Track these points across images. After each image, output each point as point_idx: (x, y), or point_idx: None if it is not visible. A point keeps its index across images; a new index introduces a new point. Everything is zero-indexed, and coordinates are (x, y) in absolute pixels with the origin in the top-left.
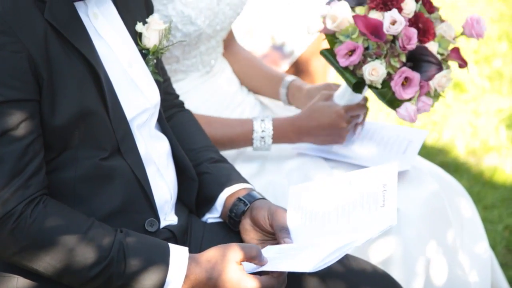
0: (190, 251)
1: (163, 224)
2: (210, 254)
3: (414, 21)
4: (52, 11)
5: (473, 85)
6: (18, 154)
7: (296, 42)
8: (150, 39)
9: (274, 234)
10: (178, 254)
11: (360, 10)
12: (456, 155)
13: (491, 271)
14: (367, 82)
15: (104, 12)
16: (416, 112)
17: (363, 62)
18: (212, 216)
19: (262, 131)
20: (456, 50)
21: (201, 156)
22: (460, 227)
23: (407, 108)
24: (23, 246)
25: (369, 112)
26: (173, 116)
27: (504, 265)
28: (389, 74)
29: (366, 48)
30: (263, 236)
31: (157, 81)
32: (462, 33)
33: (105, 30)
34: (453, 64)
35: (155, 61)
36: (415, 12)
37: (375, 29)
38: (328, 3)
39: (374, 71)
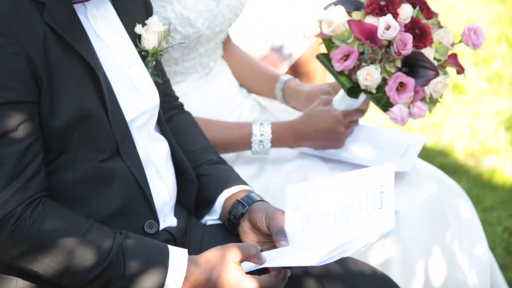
0: (189, 253)
1: (162, 226)
2: (209, 255)
3: (411, 27)
4: (51, 13)
5: (472, 87)
6: (17, 156)
7: (295, 44)
8: (149, 41)
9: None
10: (178, 256)
11: (357, 15)
12: (455, 157)
13: (490, 273)
14: (362, 87)
15: (103, 14)
16: (408, 115)
17: (358, 67)
18: (211, 218)
19: (261, 134)
20: (453, 56)
21: (200, 158)
22: (459, 229)
23: (400, 108)
24: (22, 248)
25: (368, 115)
26: (172, 117)
27: (503, 267)
28: (384, 79)
29: (362, 53)
30: (262, 239)
31: (156, 83)
32: (461, 41)
33: (104, 32)
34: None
35: (154, 63)
36: (412, 17)
37: (370, 34)
38: (326, 8)
39: (369, 76)
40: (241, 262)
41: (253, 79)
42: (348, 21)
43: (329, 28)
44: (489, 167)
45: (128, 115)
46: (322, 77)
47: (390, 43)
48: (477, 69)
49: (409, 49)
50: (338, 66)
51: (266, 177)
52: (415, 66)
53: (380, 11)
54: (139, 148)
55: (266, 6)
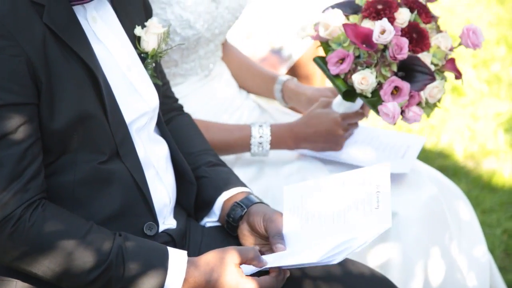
0: (189, 255)
1: (161, 228)
2: (208, 257)
3: (408, 31)
4: (51, 15)
5: (471, 89)
6: (16, 157)
7: (294, 46)
8: (149, 43)
9: None
10: (177, 258)
11: (354, 18)
12: (454, 159)
13: (490, 275)
14: (357, 90)
15: (103, 15)
16: (399, 114)
17: (353, 70)
18: (211, 220)
19: (260, 136)
20: (451, 61)
21: (199, 159)
22: (458, 230)
23: (394, 105)
24: (21, 250)
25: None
26: (172, 119)
27: (502, 269)
28: (379, 83)
29: (358, 57)
30: (261, 241)
31: (156, 85)
32: (460, 44)
33: (103, 33)
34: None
35: (154, 64)
36: (409, 21)
37: (366, 38)
38: (324, 10)
39: (364, 80)
40: (240, 264)
41: (251, 80)
42: (344, 25)
43: (325, 31)
44: (489, 169)
45: (127, 117)
46: (321, 79)
47: (385, 47)
48: (476, 71)
49: (404, 53)
50: (333, 70)
51: (266, 179)
52: (411, 71)
53: (376, 15)
54: (139, 150)
55: (265, 8)
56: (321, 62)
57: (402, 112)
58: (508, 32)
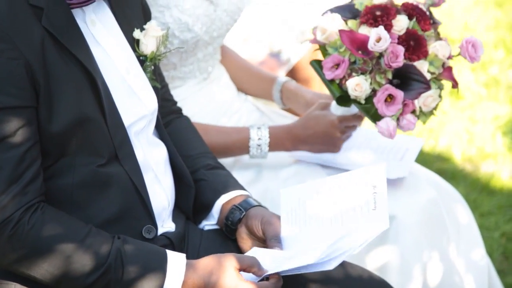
0: (187, 259)
1: (160, 231)
2: (207, 260)
3: (405, 38)
4: (50, 18)
5: (469, 92)
6: (15, 161)
7: (292, 49)
8: (148, 46)
9: None
10: (176, 260)
11: (352, 24)
12: (453, 162)
13: (488, 278)
14: (352, 97)
15: (102, 18)
16: (396, 128)
17: (348, 76)
18: (209, 223)
19: (259, 139)
20: (448, 70)
21: (198, 162)
22: (457, 234)
23: (387, 122)
24: (20, 253)
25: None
26: (170, 122)
27: (500, 272)
28: (374, 90)
29: (353, 63)
30: (259, 244)
31: (154, 88)
32: (459, 54)
33: (102, 36)
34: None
35: (152, 67)
36: (407, 29)
37: (362, 45)
38: (323, 14)
39: (358, 86)
40: (240, 270)
41: (249, 81)
42: (340, 31)
43: (322, 35)
44: (487, 172)
45: (126, 120)
46: (320, 82)
47: (381, 55)
48: (474, 74)
49: (400, 61)
50: (328, 75)
51: (264, 182)
52: (407, 79)
53: (374, 22)
54: (138, 153)
55: (264, 11)
56: (317, 66)
57: (397, 120)
58: (506, 35)
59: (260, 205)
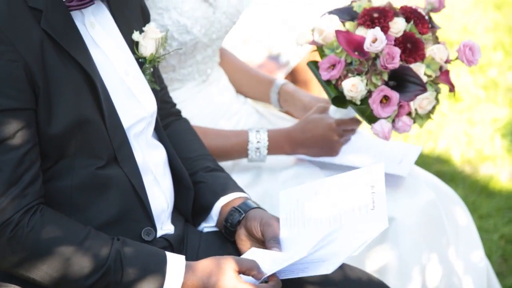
0: (187, 260)
1: (159, 233)
2: (206, 262)
3: (402, 41)
4: (49, 20)
5: (468, 95)
6: (14, 163)
7: (292, 52)
8: (147, 48)
9: None
10: (175, 262)
11: (350, 25)
12: (451, 164)
13: (487, 280)
14: (347, 97)
15: (101, 21)
16: (391, 130)
17: (344, 77)
18: (208, 225)
19: (258, 142)
20: (445, 73)
21: (197, 164)
22: (455, 236)
23: (382, 124)
24: (20, 255)
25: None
26: (170, 124)
27: (499, 274)
28: (370, 92)
29: (350, 64)
30: (258, 246)
31: (153, 90)
32: (457, 58)
33: (101, 38)
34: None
35: (151, 69)
36: (404, 31)
37: (358, 46)
38: (322, 16)
39: (354, 87)
40: (239, 273)
41: (247, 83)
42: (336, 31)
43: (320, 36)
44: (486, 175)
45: (125, 122)
46: (319, 85)
47: (377, 56)
48: (473, 76)
49: (396, 63)
50: (324, 75)
51: (263, 185)
52: (403, 81)
53: (371, 23)
54: (137, 155)
55: (263, 14)
56: (314, 67)
57: (392, 121)
58: (505, 37)
59: (259, 207)
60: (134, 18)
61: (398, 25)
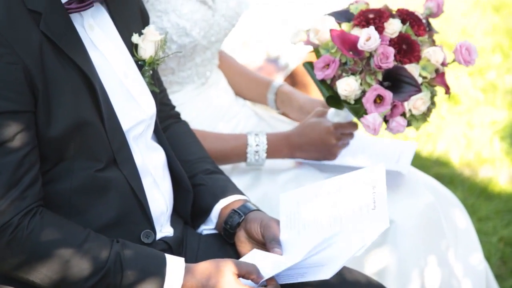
0: (186, 263)
1: (159, 235)
2: (206, 265)
3: (397, 41)
4: (48, 22)
5: (467, 97)
6: (14, 165)
7: (290, 55)
8: (146, 50)
9: None
10: (174, 264)
11: (346, 26)
12: (450, 167)
13: (486, 283)
14: (342, 97)
15: (100, 23)
16: (381, 125)
17: (339, 77)
18: (207, 228)
19: (257, 145)
20: (441, 76)
21: (196, 167)
22: (454, 238)
23: (374, 117)
24: (19, 257)
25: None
26: (169, 127)
27: (498, 277)
28: (364, 92)
29: (345, 63)
30: (259, 248)
31: (153, 92)
32: (454, 60)
33: (100, 41)
34: (450, 73)
35: (151, 72)
36: (400, 32)
37: (353, 45)
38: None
39: (348, 86)
40: (238, 276)
41: (245, 85)
42: (331, 31)
43: (315, 36)
44: (485, 177)
45: (124, 124)
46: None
47: (371, 55)
48: (472, 79)
49: (390, 62)
50: (319, 75)
51: (262, 187)
52: (398, 81)
53: (366, 24)
54: (136, 158)
55: (262, 17)
56: (310, 67)
57: (387, 122)
58: (504, 40)
59: (258, 210)
60: (133, 20)
61: (393, 26)
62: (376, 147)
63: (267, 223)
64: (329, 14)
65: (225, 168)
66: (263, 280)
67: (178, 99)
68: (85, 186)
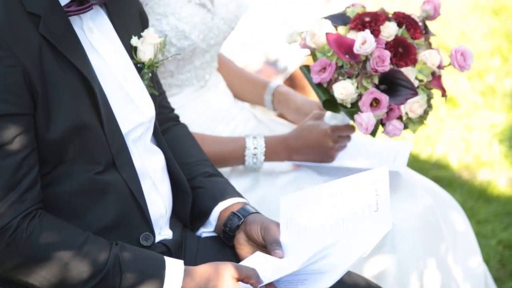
0: (185, 266)
1: (158, 238)
2: (205, 267)
3: (393, 45)
4: (47, 25)
5: (465, 100)
6: (13, 168)
7: (289, 58)
8: (146, 53)
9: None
10: (174, 267)
11: (343, 29)
12: (449, 169)
13: (485, 286)
14: (338, 100)
15: (99, 26)
16: (373, 125)
17: (335, 80)
18: (207, 231)
19: (255, 148)
20: (437, 78)
21: (195, 170)
22: (453, 241)
23: (369, 116)
24: (18, 260)
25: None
26: (168, 129)
27: (497, 280)
28: (360, 95)
29: (341, 67)
30: (258, 250)
31: (152, 95)
32: (449, 64)
33: (99, 43)
34: (448, 76)
35: (150, 74)
36: (396, 36)
37: (349, 49)
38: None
39: (344, 90)
40: (237, 280)
41: (243, 87)
42: (327, 34)
43: (311, 39)
44: (483, 180)
45: (124, 127)
46: None
47: (367, 58)
48: (471, 82)
49: (386, 66)
50: (315, 78)
51: (261, 189)
52: (395, 84)
53: (362, 27)
54: (135, 160)
55: (261, 20)
56: (306, 70)
57: (383, 125)
58: (503, 43)
59: (257, 212)
60: (132, 23)
61: (389, 29)
62: (372, 147)
63: (267, 226)
64: (326, 18)
65: (223, 170)
66: (262, 284)
67: (177, 102)
68: (84, 189)
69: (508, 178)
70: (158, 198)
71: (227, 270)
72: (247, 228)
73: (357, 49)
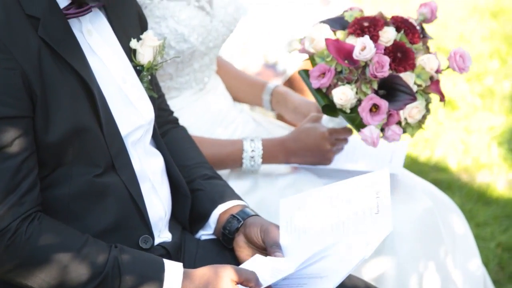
0: (184, 268)
1: (157, 241)
2: (204, 270)
3: (392, 50)
4: (46, 28)
5: (464, 103)
6: (12, 171)
7: (288, 60)
8: (145, 56)
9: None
10: (173, 270)
11: (341, 34)
12: (448, 172)
13: None
14: (337, 105)
15: (98, 28)
16: (379, 136)
17: (334, 85)
18: (206, 233)
19: (252, 150)
20: (436, 83)
21: (194, 172)
22: (452, 244)
23: (371, 130)
24: (17, 262)
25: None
26: (167, 132)
27: (496, 282)
28: (359, 100)
29: (340, 72)
30: (258, 253)
31: (151, 98)
32: (448, 67)
33: (99, 46)
34: (447, 79)
35: (149, 77)
36: (395, 41)
37: (348, 54)
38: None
39: (343, 95)
40: (236, 283)
41: (242, 88)
42: (326, 40)
43: (310, 44)
44: (483, 183)
45: (123, 129)
46: None
47: (367, 64)
48: (469, 85)
49: (385, 71)
50: (315, 83)
51: (260, 192)
52: (393, 90)
53: (361, 32)
54: (135, 163)
55: (260, 22)
56: (305, 75)
57: (382, 130)
58: (501, 45)
59: (257, 215)
60: (131, 26)
61: (388, 34)
62: (368, 148)
63: (267, 228)
64: (324, 21)
65: (222, 173)
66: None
67: (176, 105)
68: (83, 192)
69: (507, 180)
70: (157, 201)
71: (227, 273)
72: (247, 231)
73: (356, 55)
